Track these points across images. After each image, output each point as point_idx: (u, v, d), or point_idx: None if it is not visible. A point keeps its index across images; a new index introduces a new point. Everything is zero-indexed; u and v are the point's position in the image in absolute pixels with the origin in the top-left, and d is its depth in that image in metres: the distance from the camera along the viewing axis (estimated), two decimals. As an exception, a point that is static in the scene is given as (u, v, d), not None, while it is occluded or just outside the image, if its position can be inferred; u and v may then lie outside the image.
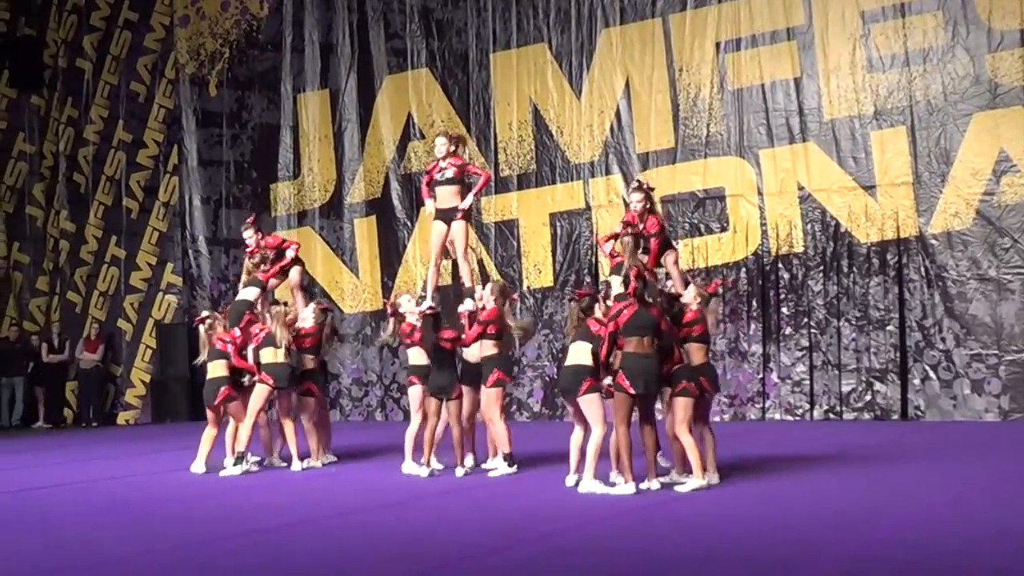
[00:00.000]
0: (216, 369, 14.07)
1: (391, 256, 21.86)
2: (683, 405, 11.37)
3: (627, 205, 18.22)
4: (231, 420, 14.16)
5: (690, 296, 11.74)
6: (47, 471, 15.25)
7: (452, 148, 13.58)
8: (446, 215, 13.53)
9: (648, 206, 12.46)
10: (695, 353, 11.50)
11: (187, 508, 11.46)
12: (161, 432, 20.97)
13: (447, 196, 13.53)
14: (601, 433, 11.19)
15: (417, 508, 10.95)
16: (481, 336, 12.68)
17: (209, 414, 14.17)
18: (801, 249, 18.76)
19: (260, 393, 13.94)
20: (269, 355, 14.01)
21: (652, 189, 12.73)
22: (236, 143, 23.31)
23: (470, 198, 13.62)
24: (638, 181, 13.31)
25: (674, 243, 13.41)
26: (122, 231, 23.89)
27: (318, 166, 22.53)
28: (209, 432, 14.19)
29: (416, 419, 13.20)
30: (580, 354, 11.30)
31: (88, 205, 24.12)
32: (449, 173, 13.54)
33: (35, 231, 25.07)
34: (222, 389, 13.96)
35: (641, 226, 12.23)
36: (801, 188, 18.79)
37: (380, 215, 22.01)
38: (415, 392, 13.20)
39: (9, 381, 23.55)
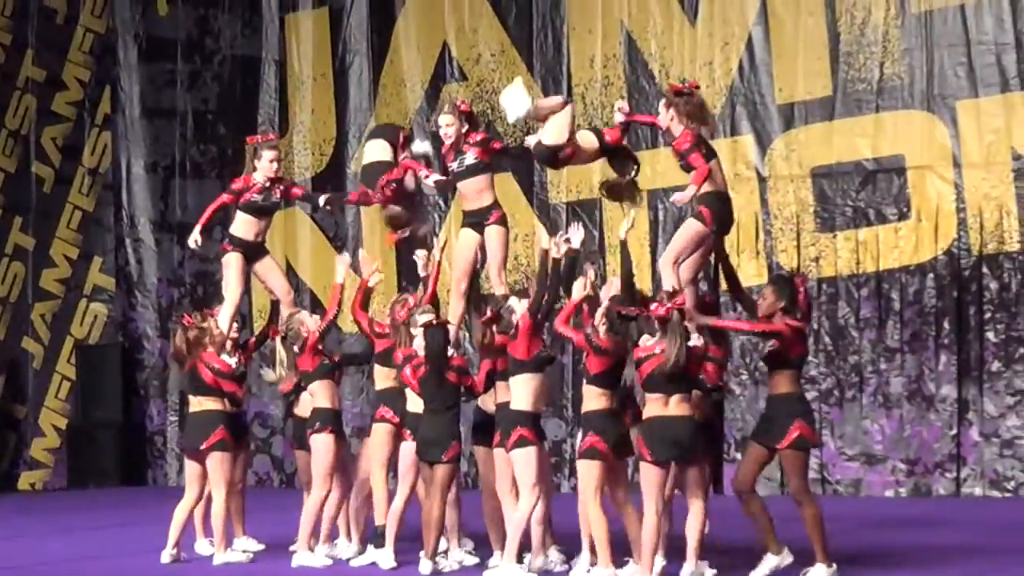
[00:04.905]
0: (207, 401, 14.10)
1: (413, 248, 21.16)
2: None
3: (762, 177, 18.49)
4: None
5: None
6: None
7: (463, 126, 13.60)
8: (477, 218, 13.65)
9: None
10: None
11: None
12: (81, 501, 21.29)
13: (473, 193, 13.64)
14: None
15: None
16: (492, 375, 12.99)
17: (188, 470, 14.17)
18: (1016, 247, 18.60)
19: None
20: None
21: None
22: (196, 84, 23.33)
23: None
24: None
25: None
26: (30, 210, 24.00)
27: (311, 118, 22.60)
28: (186, 501, 14.17)
29: (401, 491, 13.39)
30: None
31: (-21, 172, 24.74)
32: (470, 159, 13.55)
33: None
34: (216, 430, 13.85)
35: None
36: (1018, 158, 18.59)
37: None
38: (406, 452, 13.40)
39: None
